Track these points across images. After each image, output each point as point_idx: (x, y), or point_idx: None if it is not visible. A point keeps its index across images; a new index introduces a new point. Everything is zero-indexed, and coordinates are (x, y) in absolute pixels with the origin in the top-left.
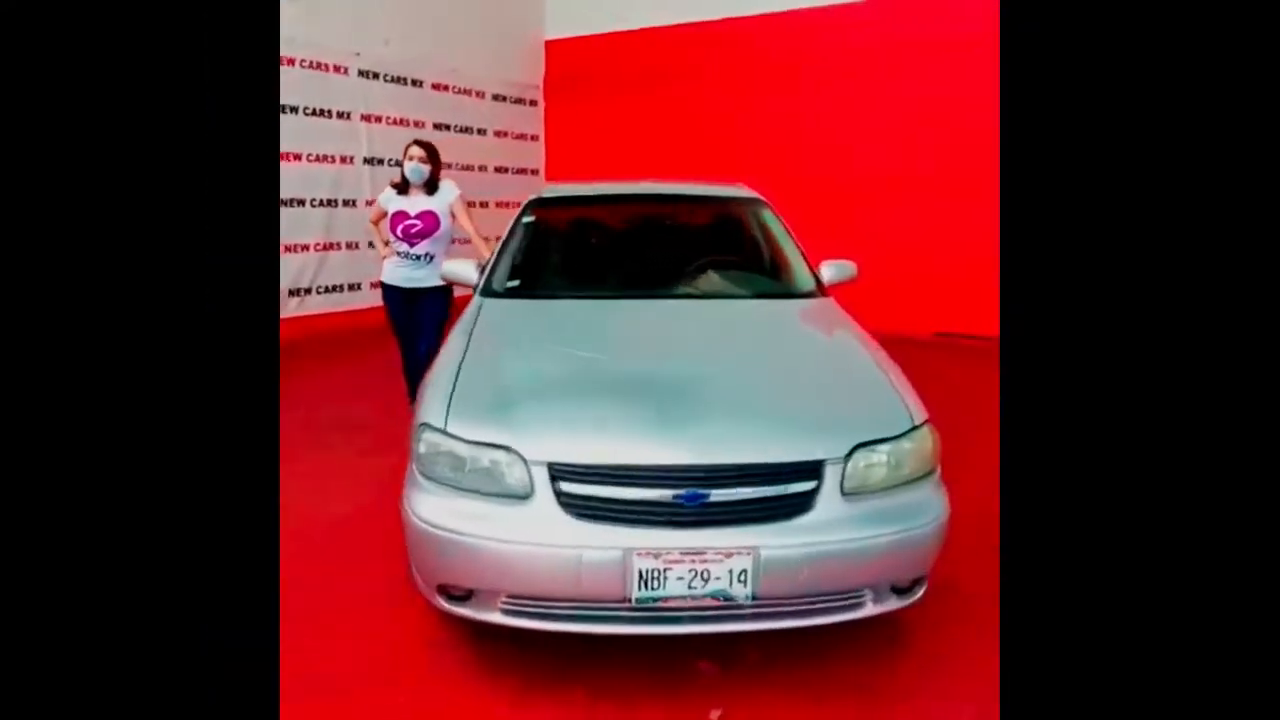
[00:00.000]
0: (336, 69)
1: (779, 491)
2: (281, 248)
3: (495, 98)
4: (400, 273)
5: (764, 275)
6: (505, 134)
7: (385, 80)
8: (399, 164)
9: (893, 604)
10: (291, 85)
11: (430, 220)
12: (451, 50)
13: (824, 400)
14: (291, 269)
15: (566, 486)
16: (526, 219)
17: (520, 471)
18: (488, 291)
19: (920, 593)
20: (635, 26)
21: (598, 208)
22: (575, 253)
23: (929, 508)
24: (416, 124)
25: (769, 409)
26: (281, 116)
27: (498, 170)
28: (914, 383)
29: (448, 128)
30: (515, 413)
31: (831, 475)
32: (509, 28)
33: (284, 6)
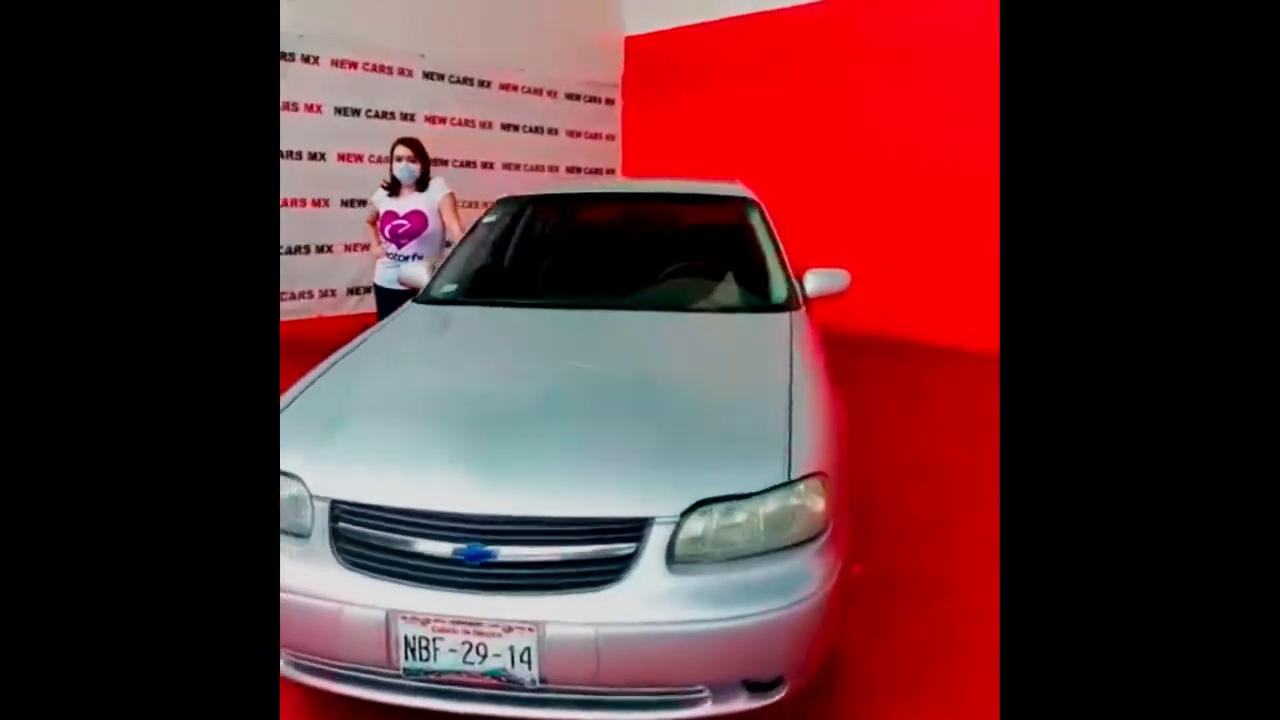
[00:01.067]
0: (401, 71)
1: (584, 555)
2: (343, 247)
3: (568, 97)
4: (389, 274)
5: (734, 285)
6: (578, 134)
7: (451, 81)
8: (462, 165)
9: (742, 704)
10: (355, 88)
11: (417, 220)
12: (522, 50)
13: (684, 444)
14: (353, 269)
15: (344, 527)
16: (488, 219)
17: (306, 506)
18: (424, 297)
19: (783, 691)
20: (722, 16)
21: (569, 208)
22: (531, 257)
23: (799, 584)
24: (483, 124)
25: (609, 452)
26: (344, 119)
27: (570, 170)
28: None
29: (516, 128)
30: (321, 440)
31: (658, 538)
32: (584, 26)
33: (349, 13)
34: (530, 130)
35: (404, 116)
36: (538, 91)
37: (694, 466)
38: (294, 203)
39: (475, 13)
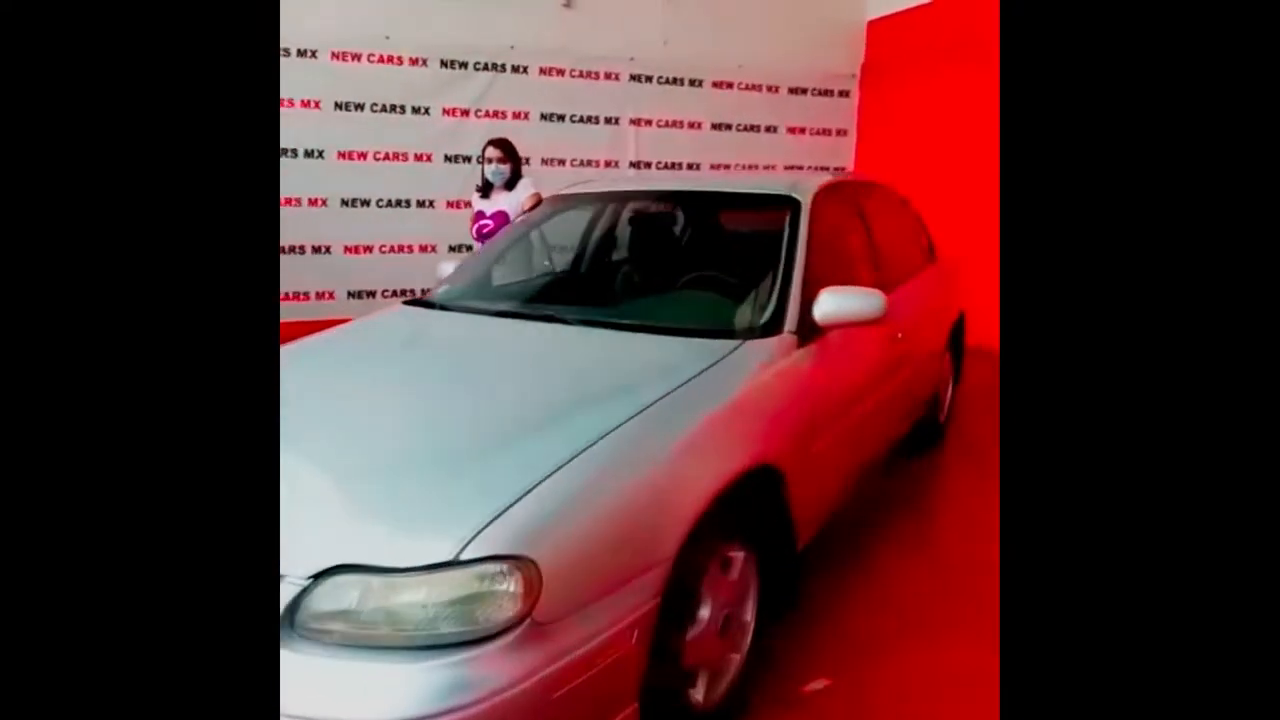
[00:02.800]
0: (608, 76)
1: None
2: None
3: (792, 91)
4: None
5: (730, 302)
6: (802, 130)
7: (659, 82)
8: (666, 166)
9: None
10: (561, 94)
11: (501, 219)
12: (740, 45)
13: (374, 495)
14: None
15: None
16: (521, 219)
17: None
18: (418, 299)
19: None
20: None
21: (602, 205)
22: (552, 261)
23: (449, 693)
24: (691, 125)
25: (308, 496)
26: (550, 124)
27: (790, 169)
28: None
29: (728, 127)
30: None
31: (285, 598)
32: (820, 14)
33: (559, 24)
34: (744, 129)
35: (608, 120)
36: (755, 87)
37: (356, 523)
38: None
39: (692, 10)
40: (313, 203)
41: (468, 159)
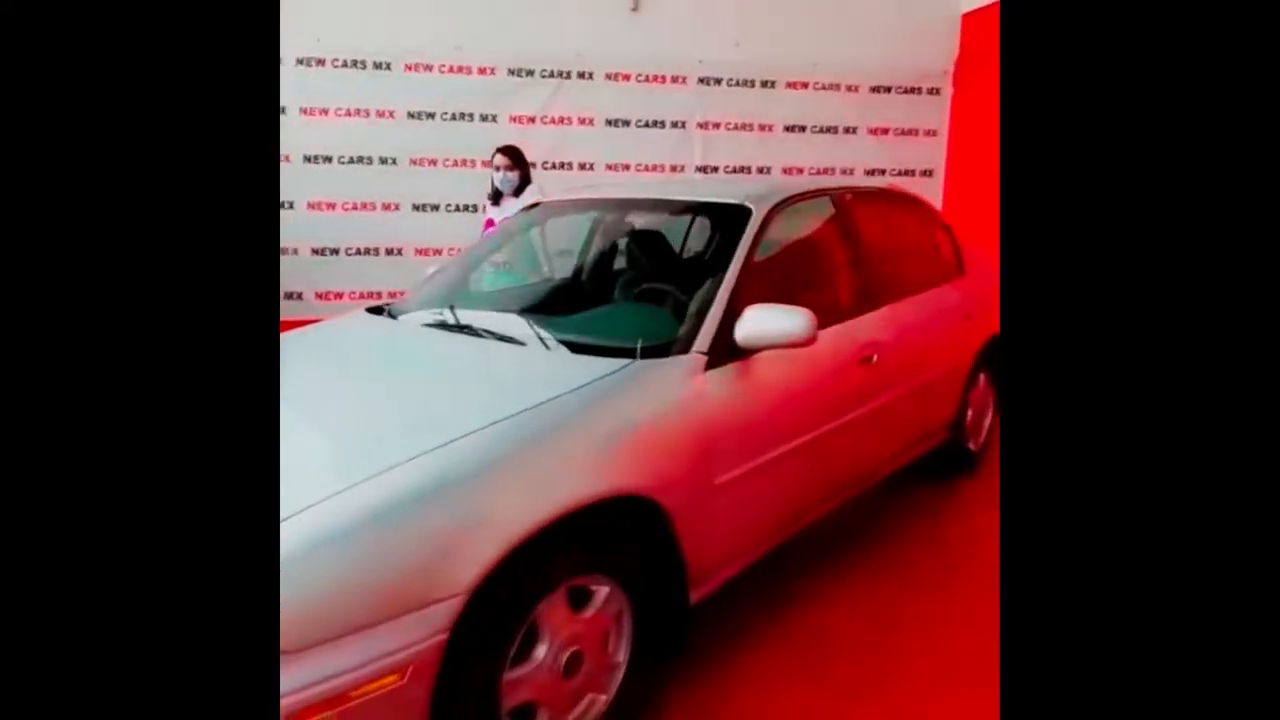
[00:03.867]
0: (674, 80)
1: None
2: None
3: (874, 90)
4: None
5: (655, 318)
6: (884, 131)
7: (729, 85)
8: (735, 170)
9: None
10: (627, 99)
11: None
12: (816, 43)
13: None
14: None
15: None
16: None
17: None
18: (375, 306)
19: None
20: None
21: (562, 214)
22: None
23: None
24: (762, 128)
25: None
26: (615, 129)
27: (870, 174)
28: None
29: (802, 129)
30: None
31: None
32: (900, 8)
33: (627, 26)
34: (821, 130)
35: (674, 125)
36: (834, 87)
37: None
38: None
39: (767, 9)
40: (386, 207)
41: (533, 165)
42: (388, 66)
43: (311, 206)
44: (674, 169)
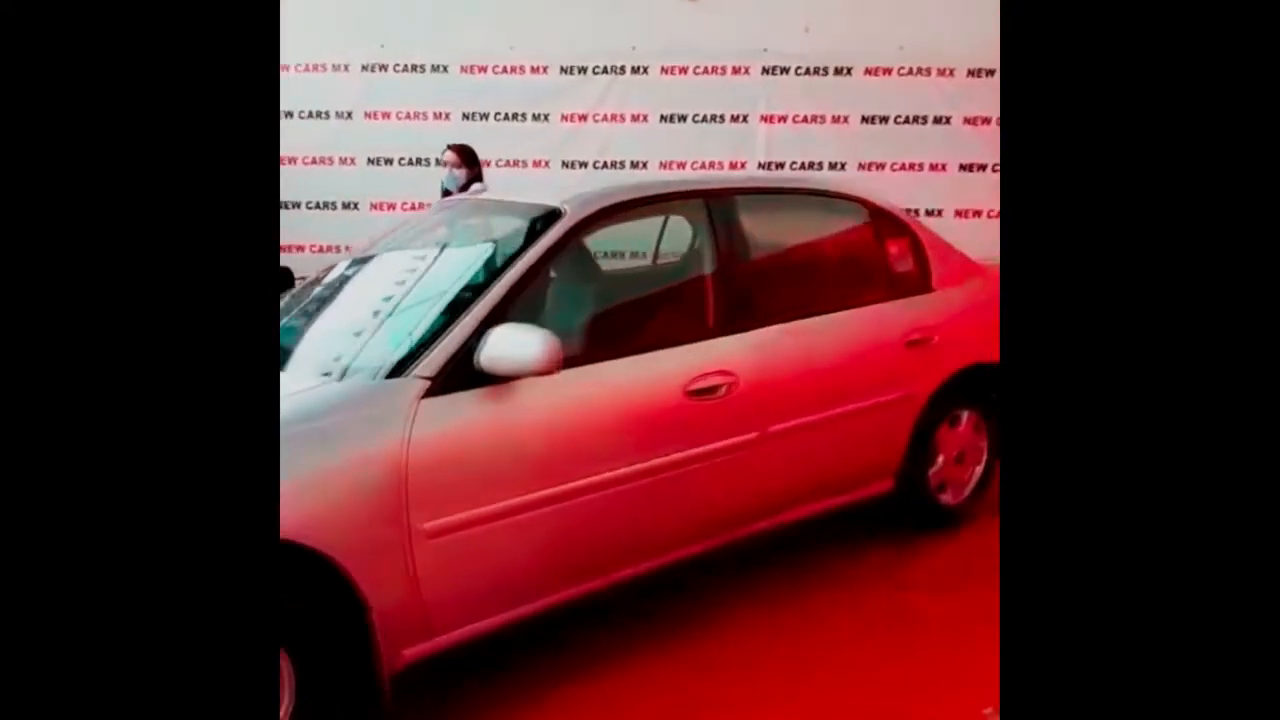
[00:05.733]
0: (735, 71)
1: None
2: None
3: (972, 74)
4: None
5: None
6: (985, 120)
7: (797, 74)
8: (804, 166)
9: None
10: (684, 93)
11: None
12: (900, 24)
13: None
14: None
15: None
16: None
17: None
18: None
19: None
20: None
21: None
22: None
23: None
24: (836, 119)
25: None
26: (670, 125)
27: (966, 169)
28: None
29: (883, 120)
30: None
31: None
32: None
33: (683, 16)
34: (905, 121)
35: (734, 119)
36: (922, 72)
37: None
38: None
39: None
40: None
41: (584, 164)
42: (444, 69)
43: (374, 207)
44: (734, 166)
